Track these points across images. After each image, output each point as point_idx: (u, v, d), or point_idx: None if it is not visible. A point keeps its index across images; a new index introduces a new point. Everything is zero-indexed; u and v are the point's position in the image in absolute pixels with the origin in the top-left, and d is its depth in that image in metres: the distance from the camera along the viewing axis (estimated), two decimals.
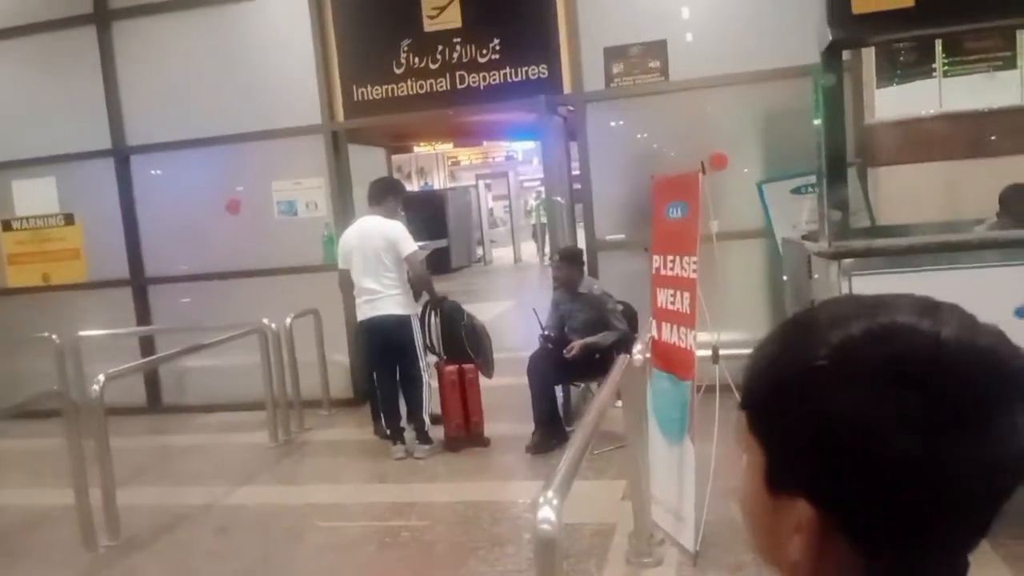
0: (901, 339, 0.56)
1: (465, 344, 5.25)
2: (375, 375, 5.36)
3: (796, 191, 5.38)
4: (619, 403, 3.54)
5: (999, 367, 0.55)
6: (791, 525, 0.61)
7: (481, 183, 21.45)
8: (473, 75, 6.30)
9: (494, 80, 6.28)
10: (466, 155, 21.34)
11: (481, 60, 6.26)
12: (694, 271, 3.64)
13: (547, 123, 6.08)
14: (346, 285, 5.26)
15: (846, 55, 4.96)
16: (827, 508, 0.59)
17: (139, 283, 7.06)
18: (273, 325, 5.78)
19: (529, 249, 19.81)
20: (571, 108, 6.26)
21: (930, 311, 0.57)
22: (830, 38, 3.33)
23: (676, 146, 5.97)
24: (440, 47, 6.31)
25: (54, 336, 6.49)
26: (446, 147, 19.54)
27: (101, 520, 4.12)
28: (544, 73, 6.16)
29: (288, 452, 5.61)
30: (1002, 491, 0.57)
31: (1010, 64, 5.17)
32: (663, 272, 3.95)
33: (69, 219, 7.18)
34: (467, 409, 5.21)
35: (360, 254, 5.11)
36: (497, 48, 6.22)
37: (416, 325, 5.21)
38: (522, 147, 20.18)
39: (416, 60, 6.38)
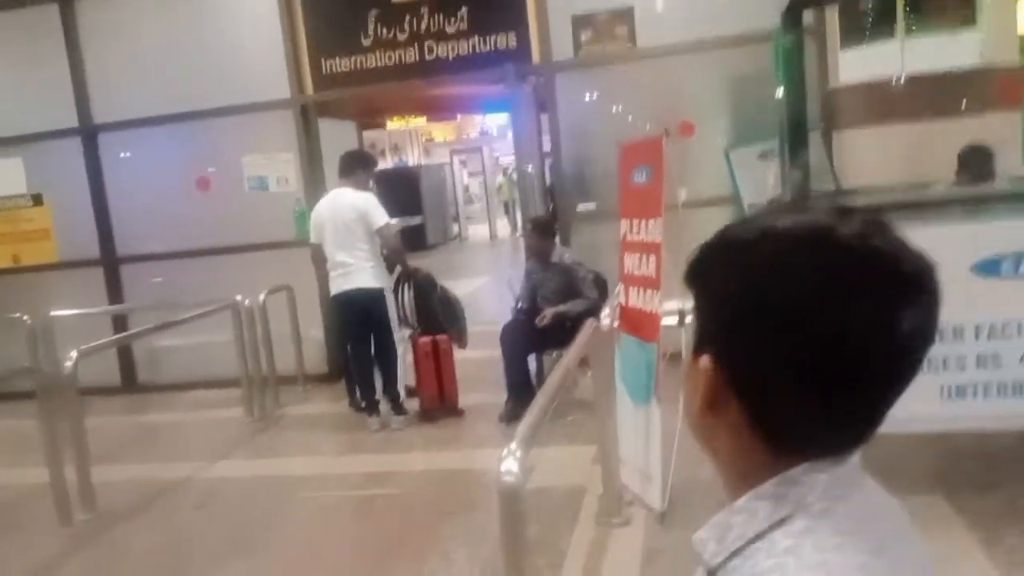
0: (802, 226, 0.66)
1: (438, 315, 5.28)
2: (349, 348, 5.39)
3: (763, 156, 5.42)
4: (590, 373, 3.60)
5: (884, 263, 0.63)
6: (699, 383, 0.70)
7: (456, 159, 21.34)
8: (441, 45, 6.28)
9: (463, 51, 6.26)
10: (440, 131, 21.22)
11: (449, 30, 6.24)
12: (659, 234, 3.68)
13: (516, 93, 6.08)
14: (319, 259, 5.26)
15: (809, 18, 5.00)
16: (721, 362, 0.68)
17: (110, 262, 7.01)
18: (246, 301, 5.78)
19: (504, 225, 19.77)
20: (540, 77, 6.27)
21: (844, 214, 0.65)
22: None
23: (645, 114, 5.99)
24: (408, 17, 6.28)
25: (25, 317, 6.45)
26: (420, 123, 19.41)
27: (77, 497, 4.14)
28: (513, 43, 6.15)
29: (264, 427, 5.63)
30: (867, 376, 0.64)
31: (970, 22, 5.22)
32: (630, 237, 4.00)
33: (38, 199, 7.09)
34: (441, 380, 5.26)
35: (332, 227, 5.11)
36: (465, 17, 6.20)
37: (390, 297, 5.23)
38: (496, 123, 20.08)
39: (384, 31, 6.34)
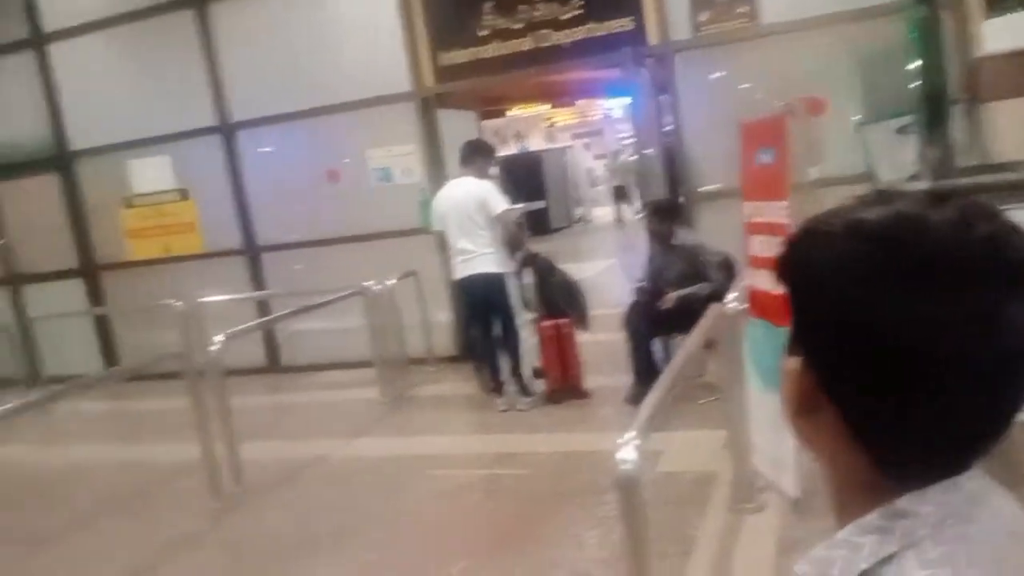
0: (890, 218, 0.60)
1: (557, 298, 5.34)
2: (475, 331, 5.53)
3: (902, 131, 5.15)
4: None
5: (984, 252, 0.56)
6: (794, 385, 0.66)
7: (579, 143, 21.28)
8: (557, 32, 6.29)
9: (578, 36, 6.24)
10: (562, 116, 21.20)
11: (563, 17, 6.23)
12: (786, 216, 3.58)
13: (634, 76, 6.01)
14: (442, 246, 5.41)
15: None
16: (811, 366, 0.64)
17: (252, 251, 7.43)
18: (376, 287, 6.02)
19: (614, 211, 19.31)
20: (658, 59, 6.17)
21: (937, 201, 0.60)
22: None
23: (771, 92, 5.75)
24: (522, 6, 6.32)
25: (177, 303, 6.95)
26: (542, 109, 19.44)
27: (227, 472, 4.45)
28: (629, 25, 6.08)
29: (397, 406, 5.86)
30: (973, 386, 0.57)
31: None
32: (755, 219, 3.91)
33: (184, 194, 7.59)
34: (565, 362, 5.31)
35: (454, 215, 5.24)
36: (579, 3, 6.18)
37: (512, 282, 5.32)
38: (619, 104, 19.86)
39: (500, 21, 6.41)
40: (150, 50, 7.51)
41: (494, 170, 5.63)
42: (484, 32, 6.46)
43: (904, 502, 0.60)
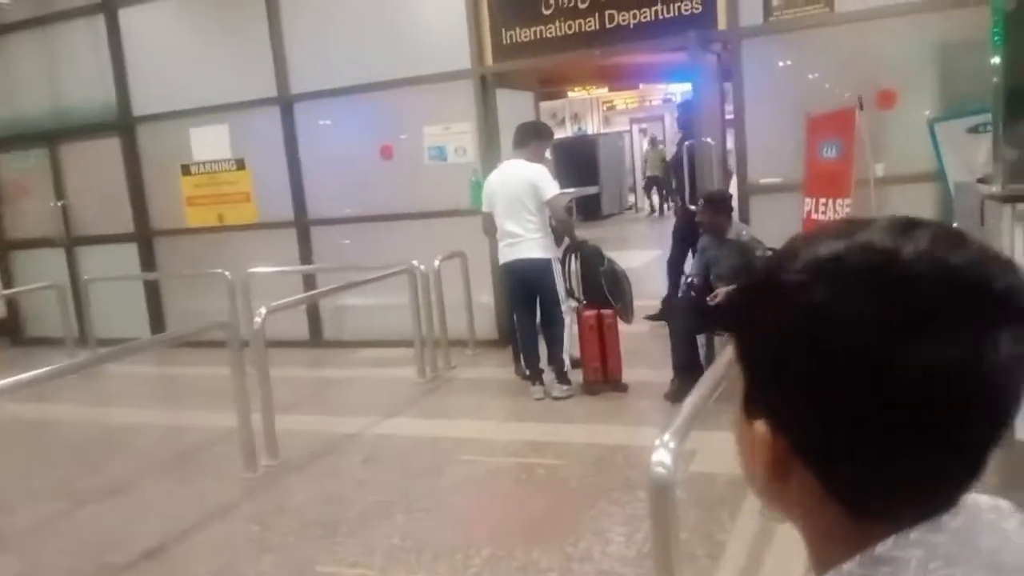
0: (859, 254, 0.55)
1: (603, 288, 5.22)
2: (515, 316, 5.45)
3: (973, 130, 4.89)
4: None
5: (964, 284, 0.53)
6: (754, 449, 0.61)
7: (635, 128, 20.95)
8: (623, 13, 6.13)
9: (644, 17, 6.08)
10: (622, 99, 20.91)
11: None
12: (847, 215, 3.42)
13: (699, 61, 5.83)
14: (490, 228, 5.34)
15: None
16: (781, 428, 0.59)
17: (302, 224, 7.47)
18: (422, 266, 5.99)
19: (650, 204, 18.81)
20: (725, 44, 5.98)
21: (905, 230, 0.55)
22: None
23: (840, 84, 5.55)
24: None
25: (226, 272, 7.03)
26: (601, 92, 19.21)
27: (262, 444, 4.47)
28: (697, 8, 5.89)
29: (434, 388, 5.83)
30: (958, 424, 0.54)
31: None
32: (814, 215, 3.75)
33: (240, 164, 7.66)
34: (605, 353, 5.20)
35: (503, 197, 5.15)
36: None
37: (557, 268, 5.22)
38: (680, 90, 19.51)
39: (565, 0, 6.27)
40: (216, 20, 7.58)
41: (548, 153, 5.51)
42: (548, 11, 6.33)
43: (885, 548, 0.56)
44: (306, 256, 7.47)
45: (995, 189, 3.18)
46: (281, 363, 5.41)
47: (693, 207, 6.07)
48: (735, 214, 5.28)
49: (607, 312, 5.20)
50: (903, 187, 5.31)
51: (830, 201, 3.57)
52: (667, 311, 6.08)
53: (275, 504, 4.03)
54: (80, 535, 3.89)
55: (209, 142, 7.74)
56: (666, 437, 1.96)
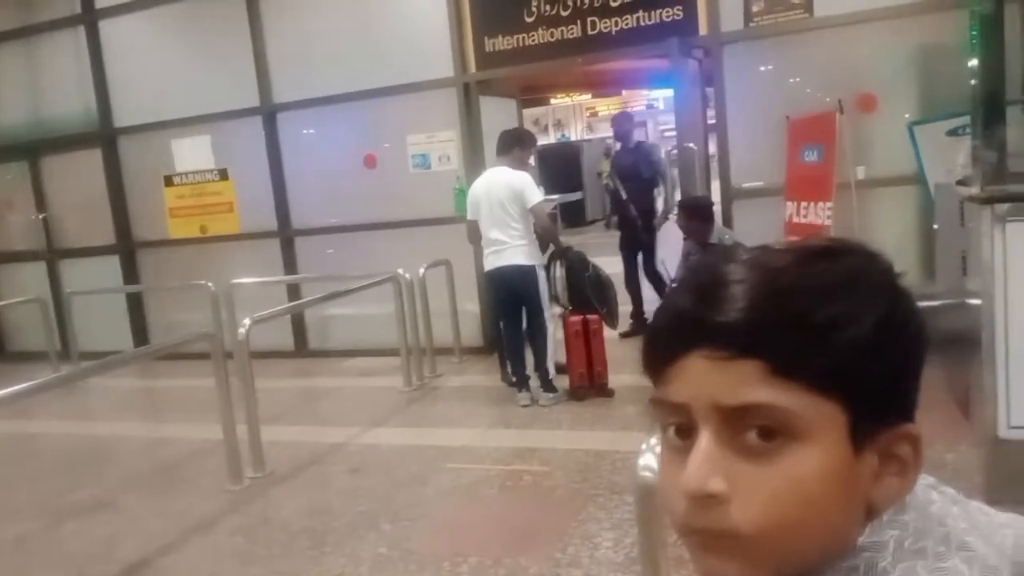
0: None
1: (589, 294, 5.22)
2: (501, 323, 5.44)
3: (952, 132, 4.94)
4: None
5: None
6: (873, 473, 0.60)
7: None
8: (605, 20, 6.16)
9: (627, 24, 6.11)
10: (604, 106, 20.98)
11: (613, 4, 6.10)
12: (828, 218, 3.44)
13: (680, 67, 5.86)
14: (474, 236, 5.33)
15: None
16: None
17: (286, 235, 7.44)
18: (407, 275, 5.97)
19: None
20: (706, 51, 6.01)
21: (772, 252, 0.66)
22: None
23: (820, 88, 5.60)
24: None
25: (209, 284, 6.98)
26: (584, 98, 19.27)
27: (247, 455, 4.44)
28: (679, 15, 5.93)
29: (420, 396, 5.81)
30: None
31: None
32: (795, 219, 3.77)
33: (223, 174, 7.62)
34: (591, 360, 5.20)
35: (487, 205, 5.15)
36: None
37: (542, 275, 5.22)
38: (663, 96, 19.59)
39: (547, 7, 6.30)
40: (197, 30, 7.55)
41: (531, 159, 5.52)
42: (531, 18, 6.35)
43: (864, 537, 0.59)
44: (290, 266, 7.43)
45: (974, 191, 3.20)
46: (266, 374, 5.37)
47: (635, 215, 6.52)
48: (718, 219, 5.30)
49: (593, 317, 5.20)
50: (884, 190, 5.36)
51: (812, 205, 3.59)
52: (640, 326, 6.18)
53: (261, 516, 4.00)
54: (63, 549, 3.85)
55: (191, 153, 7.70)
56: (652, 441, 1.95)
